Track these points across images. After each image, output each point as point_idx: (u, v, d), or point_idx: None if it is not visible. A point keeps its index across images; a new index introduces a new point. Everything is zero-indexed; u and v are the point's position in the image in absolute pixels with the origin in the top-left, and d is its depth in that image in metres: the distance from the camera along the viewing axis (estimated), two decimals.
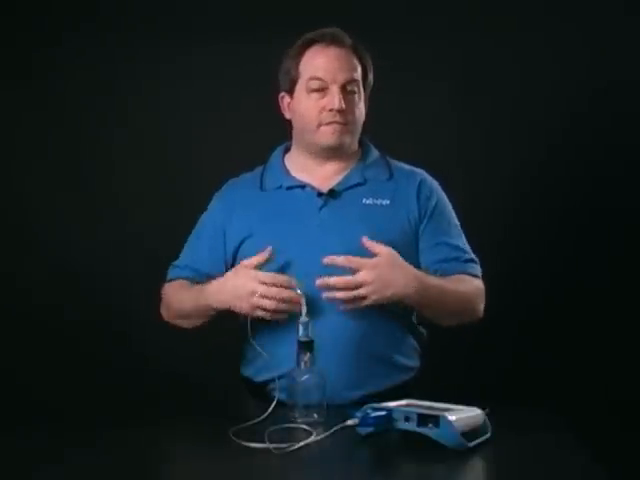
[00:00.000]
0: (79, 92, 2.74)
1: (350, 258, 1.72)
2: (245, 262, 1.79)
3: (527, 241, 2.73)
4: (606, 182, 2.71)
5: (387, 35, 2.62)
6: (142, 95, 2.75)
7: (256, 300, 1.73)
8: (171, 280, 2.01)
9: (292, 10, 2.61)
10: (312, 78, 1.88)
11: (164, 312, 2.01)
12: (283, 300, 1.72)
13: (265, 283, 1.73)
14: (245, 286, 1.75)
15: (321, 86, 1.87)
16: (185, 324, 1.97)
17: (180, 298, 1.94)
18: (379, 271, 1.72)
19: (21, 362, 2.69)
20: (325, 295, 1.74)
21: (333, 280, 1.72)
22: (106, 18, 2.73)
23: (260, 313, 1.74)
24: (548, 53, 2.70)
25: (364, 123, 1.96)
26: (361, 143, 2.00)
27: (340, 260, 1.72)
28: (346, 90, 1.87)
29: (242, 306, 1.76)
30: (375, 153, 2.01)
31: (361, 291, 1.72)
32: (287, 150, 2.03)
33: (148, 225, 2.74)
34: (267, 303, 1.73)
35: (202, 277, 1.94)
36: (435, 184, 2.00)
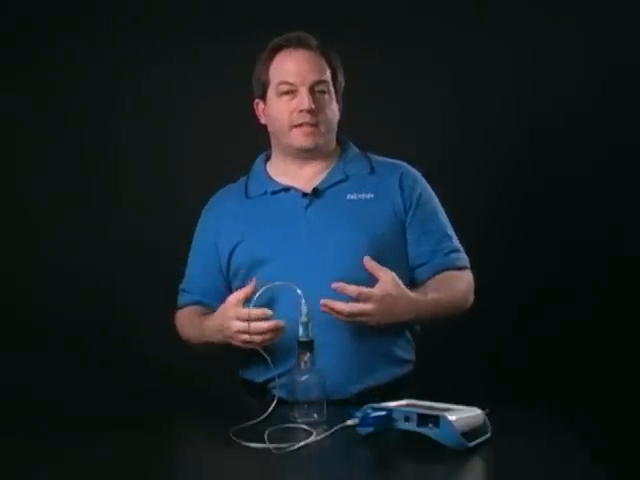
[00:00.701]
0: (79, 92, 2.74)
1: (361, 290, 1.72)
2: (230, 298, 1.79)
3: (529, 240, 2.73)
4: (609, 182, 2.71)
5: (387, 36, 2.63)
6: (142, 95, 2.74)
7: (241, 337, 1.75)
8: (180, 307, 2.04)
9: (290, 11, 2.60)
10: (281, 82, 1.91)
11: (184, 340, 2.02)
12: (264, 331, 1.72)
13: (244, 319, 1.73)
14: (229, 327, 1.77)
15: (291, 89, 1.91)
16: (208, 350, 1.96)
17: (189, 334, 1.97)
18: (384, 303, 1.74)
19: (21, 362, 2.69)
20: (324, 311, 1.74)
21: (339, 307, 1.73)
22: (106, 19, 2.73)
23: (251, 346, 1.75)
24: (548, 53, 2.70)
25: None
26: (339, 141, 2.02)
27: (351, 290, 1.72)
28: (315, 91, 1.90)
29: (235, 344, 1.79)
30: (354, 149, 2.03)
31: (363, 319, 1.75)
32: (268, 158, 2.05)
33: (149, 225, 2.74)
34: (248, 338, 1.73)
35: (206, 296, 1.97)
36: (417, 174, 2.02)
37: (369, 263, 1.76)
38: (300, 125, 1.90)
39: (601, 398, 2.57)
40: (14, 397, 2.48)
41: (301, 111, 1.89)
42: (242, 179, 2.05)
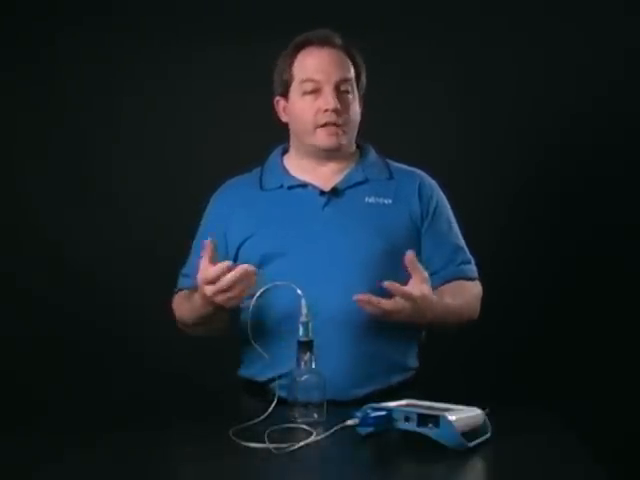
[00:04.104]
0: (79, 92, 2.74)
1: (404, 290, 1.69)
2: (200, 265, 1.73)
3: (526, 241, 2.74)
4: (605, 183, 2.71)
5: (386, 36, 2.62)
6: (142, 95, 2.75)
7: (218, 299, 1.71)
8: (178, 291, 2.02)
9: (291, 11, 2.61)
10: (305, 80, 1.88)
11: (179, 325, 2.00)
12: (234, 284, 1.68)
13: (211, 281, 1.69)
14: (204, 294, 1.72)
15: (315, 87, 1.88)
16: (200, 331, 1.95)
17: (183, 313, 1.94)
18: (417, 304, 1.71)
19: (21, 362, 2.69)
20: (360, 303, 1.71)
21: (384, 304, 1.69)
22: (106, 18, 2.73)
23: (233, 303, 1.72)
24: (547, 53, 2.70)
25: (361, 123, 1.96)
26: (358, 143, 2.01)
27: (400, 290, 1.69)
28: (340, 90, 1.88)
29: (221, 306, 1.74)
30: (373, 153, 2.02)
31: (393, 316, 1.72)
32: (285, 151, 2.03)
33: (148, 224, 2.74)
34: (224, 297, 1.70)
35: None
36: (434, 183, 2.02)
37: (410, 258, 1.71)
38: (324, 125, 1.88)
39: (602, 398, 2.58)
40: (14, 397, 2.48)
41: (326, 111, 1.86)
42: (256, 170, 2.02)
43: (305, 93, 1.89)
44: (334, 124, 1.88)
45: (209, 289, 1.70)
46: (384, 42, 2.60)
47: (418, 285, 1.71)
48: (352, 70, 1.92)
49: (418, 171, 2.02)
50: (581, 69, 2.71)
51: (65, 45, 2.73)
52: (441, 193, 2.01)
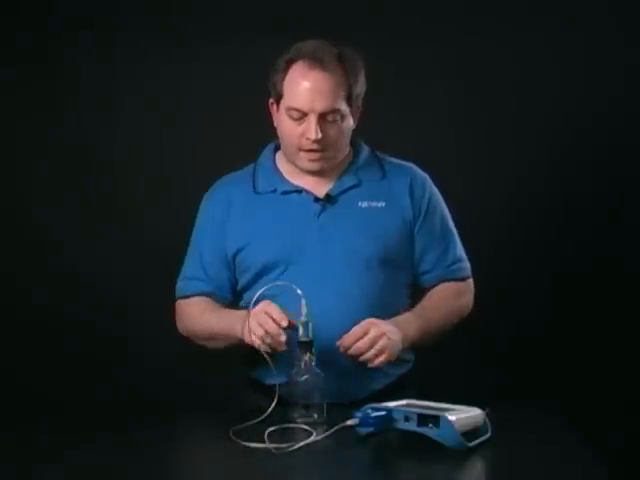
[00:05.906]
0: (79, 92, 2.74)
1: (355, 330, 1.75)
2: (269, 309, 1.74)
3: (526, 240, 2.73)
4: (603, 182, 2.71)
5: (385, 36, 2.62)
6: (142, 95, 2.74)
7: (260, 345, 1.73)
8: (189, 296, 1.98)
9: (291, 11, 2.60)
10: (291, 108, 1.84)
11: (184, 331, 1.99)
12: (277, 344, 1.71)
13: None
14: (254, 330, 1.73)
15: (300, 116, 1.83)
16: (209, 345, 1.96)
17: (202, 321, 1.93)
18: (381, 324, 1.76)
19: (21, 362, 2.69)
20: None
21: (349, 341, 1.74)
22: (107, 19, 2.72)
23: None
24: (547, 53, 2.70)
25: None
26: (351, 143, 1.97)
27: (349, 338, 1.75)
28: (326, 119, 1.83)
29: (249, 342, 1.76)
30: (366, 152, 1.99)
31: (382, 342, 1.74)
32: (277, 148, 2.00)
33: (148, 225, 2.74)
34: (265, 348, 1.72)
35: (220, 289, 1.95)
36: (426, 178, 2.00)
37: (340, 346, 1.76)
38: (307, 151, 1.86)
39: (602, 397, 2.58)
40: (14, 397, 2.48)
41: (308, 138, 1.84)
42: (249, 168, 2.00)
43: (291, 118, 1.85)
44: (316, 150, 1.85)
45: (260, 332, 1.72)
46: (382, 42, 2.60)
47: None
48: (342, 93, 1.84)
49: (409, 165, 2.00)
50: (579, 69, 2.70)
51: (65, 45, 2.72)
52: (433, 187, 1.99)
